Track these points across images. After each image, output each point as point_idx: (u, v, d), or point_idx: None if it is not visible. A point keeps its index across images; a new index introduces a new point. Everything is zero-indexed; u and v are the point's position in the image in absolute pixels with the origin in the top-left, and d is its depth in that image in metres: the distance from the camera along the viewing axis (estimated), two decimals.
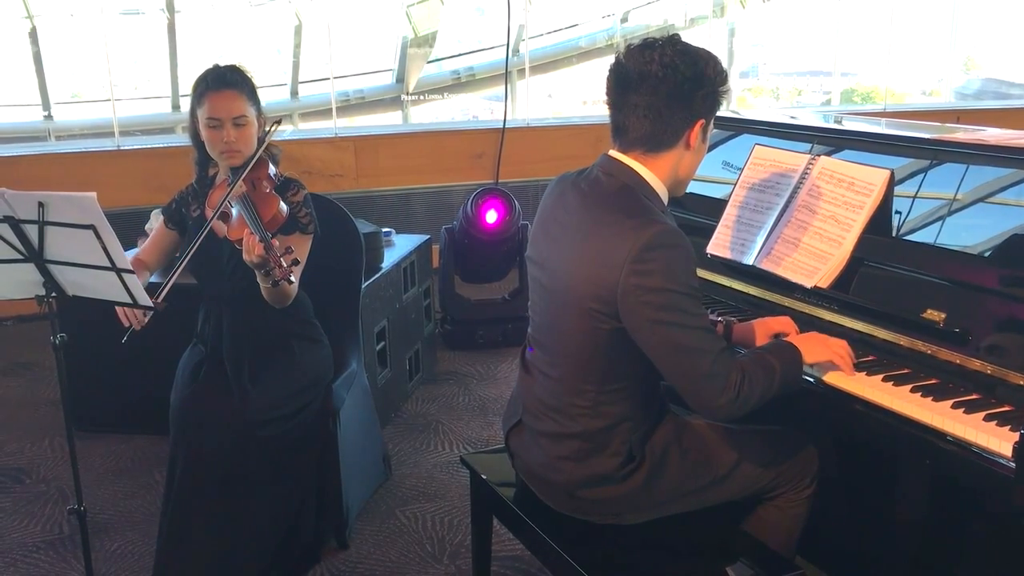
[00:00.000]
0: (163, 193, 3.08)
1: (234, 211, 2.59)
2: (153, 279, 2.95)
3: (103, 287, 2.25)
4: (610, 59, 1.97)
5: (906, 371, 2.03)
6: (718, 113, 1.98)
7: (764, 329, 2.20)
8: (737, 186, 2.59)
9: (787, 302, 2.36)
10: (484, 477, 2.32)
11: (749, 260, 2.43)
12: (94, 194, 2.08)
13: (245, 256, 2.42)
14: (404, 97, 7.72)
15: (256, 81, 2.77)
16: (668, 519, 2.06)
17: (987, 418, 1.81)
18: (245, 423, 2.60)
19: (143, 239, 3.97)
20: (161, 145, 5.78)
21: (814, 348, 2.02)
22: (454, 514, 3.16)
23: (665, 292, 1.81)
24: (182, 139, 3.69)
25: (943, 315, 1.99)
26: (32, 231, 2.17)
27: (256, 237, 2.41)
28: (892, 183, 2.26)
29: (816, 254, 2.29)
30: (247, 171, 2.63)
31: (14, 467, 3.59)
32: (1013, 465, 1.71)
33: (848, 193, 2.30)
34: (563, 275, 1.96)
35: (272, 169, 2.75)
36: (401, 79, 7.91)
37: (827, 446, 2.23)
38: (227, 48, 7.91)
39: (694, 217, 2.71)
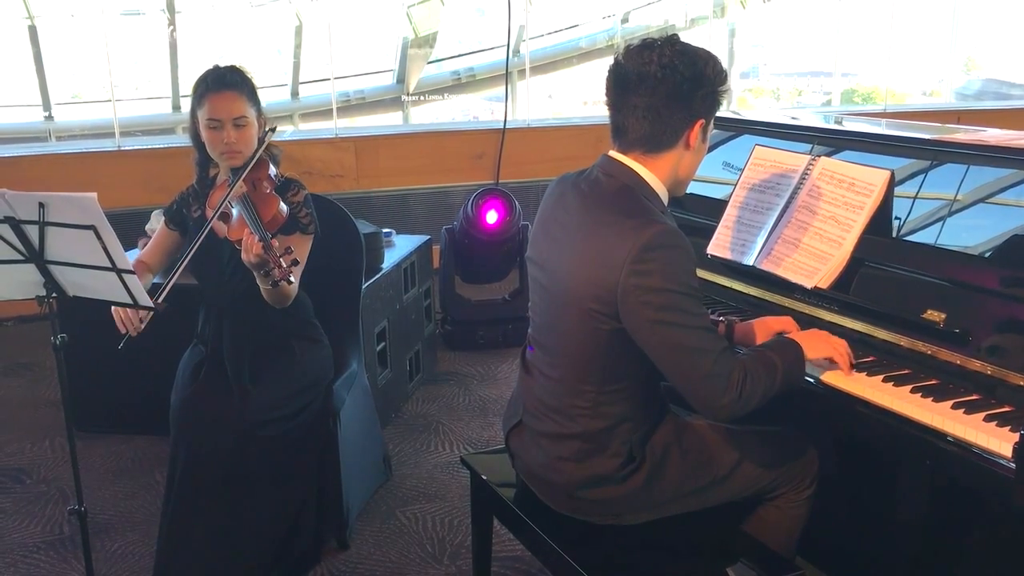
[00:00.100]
0: (163, 194, 3.09)
1: (234, 211, 2.59)
2: (156, 280, 2.95)
3: (104, 287, 2.25)
4: (610, 60, 1.97)
5: (906, 371, 2.03)
6: (718, 113, 1.98)
7: (765, 328, 2.20)
8: (737, 187, 2.59)
9: (787, 303, 2.36)
10: (484, 478, 2.32)
11: (749, 261, 2.43)
12: (94, 195, 2.08)
13: (244, 256, 2.42)
14: (405, 97, 7.73)
15: (257, 82, 2.77)
16: (668, 519, 2.06)
17: (987, 419, 1.81)
18: (245, 423, 2.60)
19: (144, 239, 3.99)
20: (162, 146, 5.78)
21: (815, 344, 2.02)
22: (454, 514, 3.16)
23: (665, 292, 1.81)
24: (183, 139, 3.69)
25: (943, 316, 1.99)
26: (33, 232, 2.17)
27: (256, 237, 2.41)
28: (892, 184, 2.26)
29: (816, 255, 2.29)
30: (247, 171, 2.63)
31: (15, 467, 3.59)
32: (1013, 466, 1.71)
33: (848, 194, 2.30)
34: (563, 276, 1.96)
35: (272, 170, 2.75)
36: (402, 79, 7.92)
37: (827, 447, 2.24)
38: (228, 48, 7.92)
39: (694, 217, 2.71)
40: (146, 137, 6.40)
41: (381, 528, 3.09)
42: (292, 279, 2.43)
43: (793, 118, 2.93)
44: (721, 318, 2.27)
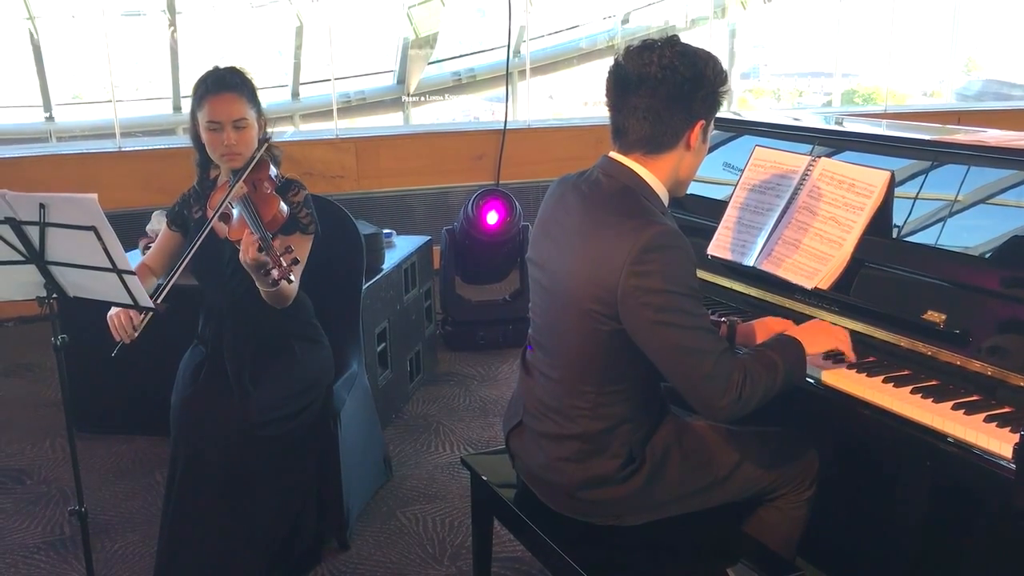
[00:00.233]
0: (164, 194, 3.09)
1: (235, 212, 2.60)
2: (160, 282, 2.95)
3: (104, 288, 2.25)
4: (611, 60, 1.97)
5: (907, 372, 2.03)
6: (718, 114, 1.98)
7: (766, 329, 2.20)
8: (738, 187, 2.59)
9: (788, 303, 2.36)
10: (485, 478, 2.32)
11: (750, 261, 2.43)
12: (95, 195, 2.09)
13: (241, 256, 2.42)
14: (405, 98, 7.73)
15: (257, 82, 2.77)
16: (668, 520, 2.06)
17: (988, 419, 1.81)
18: (246, 424, 2.60)
19: (144, 240, 3.99)
20: (162, 146, 5.78)
21: (816, 338, 2.02)
22: (455, 515, 3.16)
23: (665, 293, 1.81)
24: (183, 140, 3.69)
25: (944, 316, 1.99)
26: (33, 232, 2.17)
27: (256, 236, 2.41)
28: (893, 184, 2.26)
29: (816, 255, 2.29)
30: (247, 172, 2.63)
31: (15, 468, 3.59)
32: (1013, 467, 1.71)
33: (848, 194, 2.30)
34: (563, 276, 1.96)
35: (273, 170, 2.75)
36: (402, 80, 7.92)
37: (827, 447, 2.23)
38: (228, 49, 7.92)
39: (695, 218, 2.71)
40: (147, 138, 6.41)
41: (381, 528, 3.09)
42: (292, 278, 2.43)
43: (794, 119, 2.93)
44: (723, 319, 2.27)
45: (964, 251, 2.10)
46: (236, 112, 2.65)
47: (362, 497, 3.16)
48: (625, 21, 8.09)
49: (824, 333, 2.05)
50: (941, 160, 2.25)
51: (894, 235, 2.24)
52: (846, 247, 2.24)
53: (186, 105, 2.82)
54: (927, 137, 2.41)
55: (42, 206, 2.12)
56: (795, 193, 2.42)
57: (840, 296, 2.23)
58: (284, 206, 2.65)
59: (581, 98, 8.72)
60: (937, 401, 1.90)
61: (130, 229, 3.97)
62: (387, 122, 8.22)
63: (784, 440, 2.16)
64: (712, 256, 2.55)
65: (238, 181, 2.60)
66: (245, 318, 2.73)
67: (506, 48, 6.42)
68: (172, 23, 7.30)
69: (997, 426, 1.79)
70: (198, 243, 2.55)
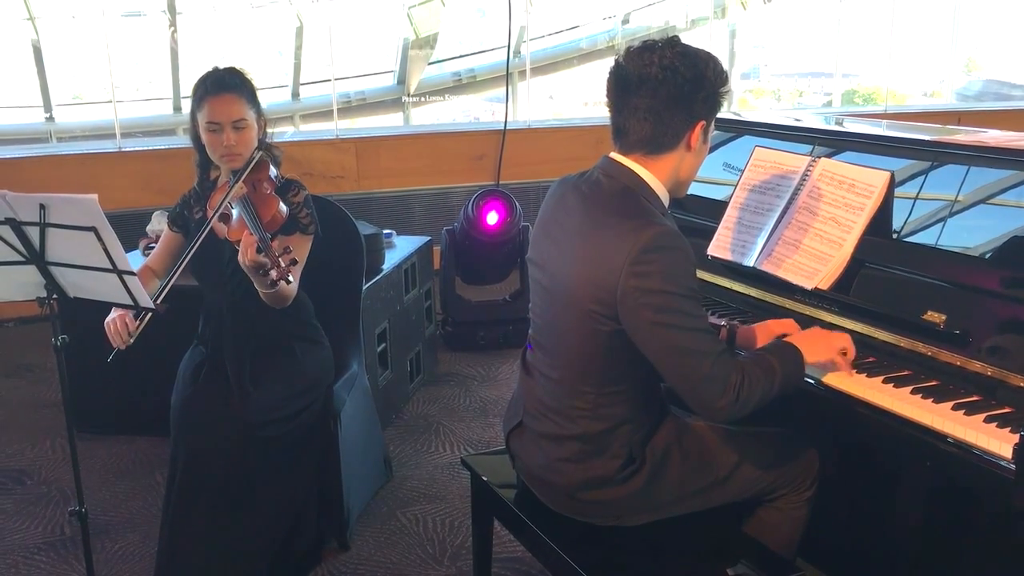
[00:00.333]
0: (164, 195, 3.09)
1: (234, 212, 2.60)
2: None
3: (104, 289, 2.25)
4: (611, 61, 1.97)
5: (907, 373, 2.03)
6: (719, 115, 1.98)
7: (767, 331, 2.20)
8: (738, 188, 2.59)
9: (788, 304, 2.36)
10: (485, 479, 2.32)
11: (750, 262, 2.43)
12: (95, 196, 2.09)
13: (240, 258, 2.42)
14: (405, 99, 7.73)
15: (257, 83, 2.77)
16: (669, 521, 2.06)
17: (987, 420, 1.81)
18: (245, 424, 2.60)
19: (145, 240, 3.99)
20: (163, 147, 5.79)
21: (815, 347, 2.01)
22: (455, 516, 3.16)
23: (664, 294, 1.81)
24: (183, 141, 3.69)
25: (944, 317, 1.99)
26: (33, 233, 2.17)
27: (254, 237, 2.41)
28: (893, 185, 2.26)
29: (816, 256, 2.29)
30: (247, 172, 2.63)
31: (15, 468, 3.59)
32: (1013, 467, 1.71)
33: (848, 195, 2.30)
34: (563, 277, 1.96)
35: (273, 171, 2.75)
36: (402, 81, 7.92)
37: (828, 448, 2.23)
38: (228, 50, 7.92)
39: (695, 219, 2.71)
40: (147, 138, 6.41)
41: (382, 529, 3.09)
42: (291, 279, 2.43)
43: (794, 119, 2.93)
44: (723, 322, 2.27)
45: (964, 251, 2.10)
46: (235, 113, 2.65)
47: (362, 497, 3.16)
48: (625, 21, 8.09)
49: (824, 343, 2.03)
50: (941, 160, 2.25)
51: (894, 235, 2.24)
52: (846, 247, 2.24)
53: (186, 106, 2.82)
54: (927, 137, 2.41)
55: (42, 207, 2.12)
56: (795, 193, 2.42)
57: (840, 296, 2.23)
58: (283, 206, 2.65)
59: (581, 98, 8.73)
60: (937, 401, 1.90)
61: (130, 229, 3.97)
62: (387, 122, 8.22)
63: (784, 440, 2.16)
64: (712, 256, 2.55)
65: (237, 181, 2.60)
66: (245, 318, 2.73)
67: (506, 48, 6.42)
68: (172, 23, 7.31)
69: (997, 426, 1.79)
70: (198, 243, 2.55)
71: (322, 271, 2.86)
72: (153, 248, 3.00)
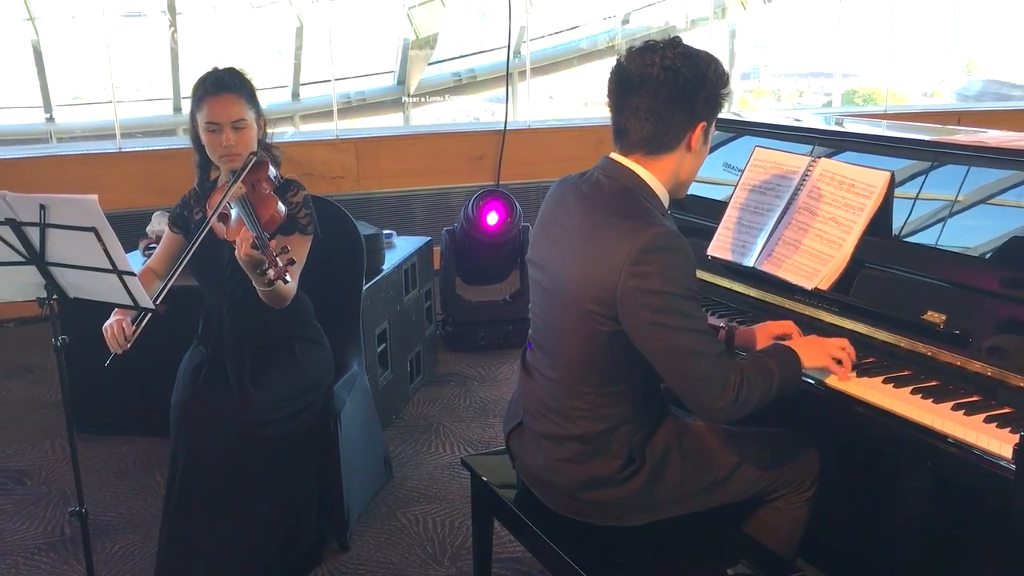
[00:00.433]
0: (164, 195, 3.09)
1: (233, 212, 2.60)
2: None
3: (104, 289, 2.25)
4: (611, 61, 1.97)
5: (907, 373, 2.03)
6: (719, 115, 1.98)
7: (766, 333, 2.20)
8: (738, 188, 2.59)
9: (788, 304, 2.36)
10: (485, 479, 2.32)
11: (750, 262, 2.43)
12: (95, 196, 2.09)
13: (237, 252, 2.42)
14: (405, 99, 7.73)
15: (257, 83, 2.77)
16: (669, 521, 2.06)
17: (987, 420, 1.81)
18: (246, 424, 2.60)
19: (145, 241, 3.99)
20: (163, 147, 5.79)
21: (812, 352, 2.02)
22: (455, 516, 3.16)
23: (663, 294, 1.81)
24: (183, 141, 3.69)
25: (944, 317, 1.99)
26: (34, 233, 2.18)
27: (252, 235, 2.41)
28: (892, 185, 2.26)
29: (816, 256, 2.29)
30: (245, 173, 2.63)
31: (15, 469, 3.59)
32: (1013, 467, 1.71)
33: (848, 195, 2.30)
34: (563, 277, 1.96)
35: (272, 171, 2.75)
36: (402, 81, 7.92)
37: (828, 448, 2.23)
38: (228, 50, 7.92)
39: (695, 219, 2.71)
40: (147, 139, 6.41)
41: (382, 529, 3.09)
42: (288, 278, 2.43)
43: (795, 119, 2.93)
44: (722, 323, 2.27)
45: (964, 251, 2.09)
46: (235, 113, 2.65)
47: (362, 498, 3.16)
48: (625, 22, 8.09)
49: (821, 349, 2.03)
50: (941, 160, 2.25)
51: (894, 235, 2.24)
52: (846, 248, 2.24)
53: (186, 106, 2.82)
54: (927, 137, 2.41)
55: (42, 207, 2.12)
56: (795, 194, 2.42)
57: (840, 297, 2.23)
58: (282, 206, 2.65)
59: (581, 99, 8.72)
60: (937, 402, 1.90)
61: (130, 230, 3.97)
62: (387, 123, 8.22)
63: (784, 441, 2.16)
64: (712, 257, 2.55)
65: (236, 181, 2.60)
66: (245, 318, 2.73)
67: (506, 49, 6.42)
68: (172, 24, 7.31)
69: (997, 426, 1.79)
70: (197, 243, 2.55)
71: (322, 271, 2.86)
72: (153, 248, 3.00)
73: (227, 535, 2.61)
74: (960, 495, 2.11)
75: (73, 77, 7.73)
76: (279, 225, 2.64)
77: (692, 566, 2.02)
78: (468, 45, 8.44)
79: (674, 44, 1.89)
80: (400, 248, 4.21)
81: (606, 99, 1.96)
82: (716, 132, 2.13)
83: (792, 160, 2.49)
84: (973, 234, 2.12)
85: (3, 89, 7.38)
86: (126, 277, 2.20)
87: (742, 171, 2.61)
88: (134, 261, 2.40)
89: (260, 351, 2.72)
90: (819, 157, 2.44)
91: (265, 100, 2.81)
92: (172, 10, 7.26)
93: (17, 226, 2.16)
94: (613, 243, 1.84)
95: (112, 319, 2.50)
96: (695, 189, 2.21)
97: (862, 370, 2.07)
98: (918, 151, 2.32)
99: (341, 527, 2.92)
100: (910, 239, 2.22)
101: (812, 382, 2.08)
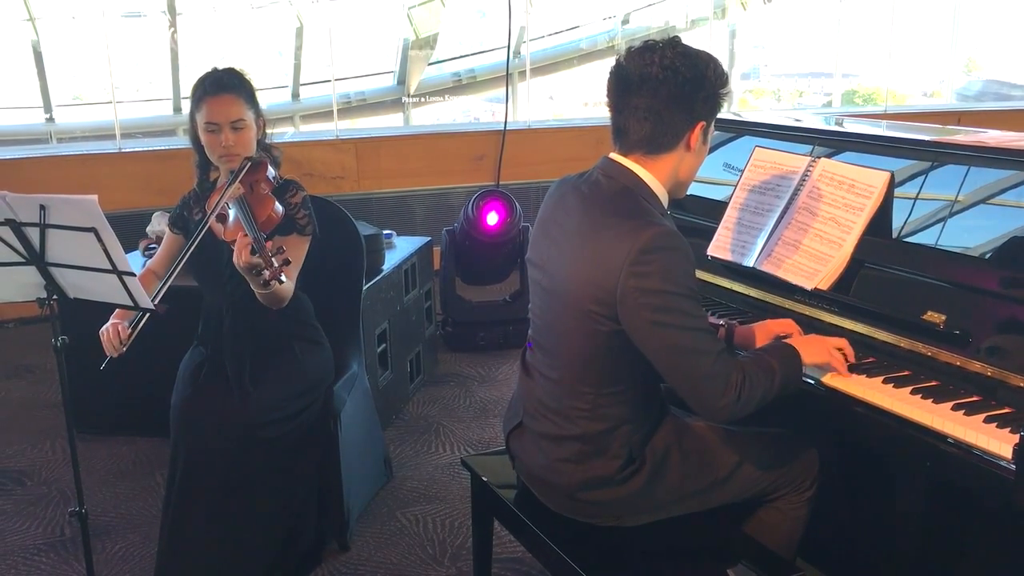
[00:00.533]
0: (164, 195, 3.10)
1: (231, 212, 2.60)
2: None
3: (104, 289, 2.25)
4: (611, 61, 1.97)
5: (907, 373, 2.03)
6: (719, 115, 1.98)
7: (765, 331, 2.20)
8: (738, 188, 2.59)
9: (787, 304, 2.36)
10: (485, 479, 2.32)
11: (749, 262, 2.43)
12: (95, 197, 2.09)
13: (235, 259, 2.42)
14: (405, 99, 7.73)
15: (257, 83, 2.77)
16: (669, 521, 2.06)
17: (987, 420, 1.81)
18: (245, 425, 2.60)
19: (145, 241, 3.99)
20: (163, 147, 5.79)
21: (812, 349, 2.02)
22: (455, 516, 3.16)
23: (663, 294, 1.81)
24: (183, 141, 3.69)
25: (943, 317, 1.99)
26: (34, 234, 2.18)
27: (249, 238, 2.41)
28: (892, 185, 2.26)
29: (816, 256, 2.29)
30: (244, 173, 2.63)
31: (15, 469, 3.59)
32: (1013, 467, 1.71)
33: (848, 195, 2.30)
34: (563, 277, 1.96)
35: (271, 171, 2.75)
36: (402, 81, 7.92)
37: (828, 448, 2.23)
38: (228, 50, 7.92)
39: (695, 219, 2.71)
40: (147, 139, 6.41)
41: (382, 530, 3.09)
42: (284, 279, 2.42)
43: (794, 119, 2.93)
44: (721, 321, 2.27)
45: (964, 251, 2.09)
46: (234, 113, 2.65)
47: (362, 498, 3.16)
48: (625, 22, 8.09)
49: (821, 346, 2.04)
50: (941, 160, 2.25)
51: (894, 235, 2.24)
52: (846, 248, 2.24)
53: (186, 106, 2.82)
54: (927, 137, 2.41)
55: (42, 207, 2.12)
56: (795, 194, 2.42)
57: (840, 297, 2.23)
58: (279, 207, 2.65)
59: (581, 99, 8.73)
60: (937, 402, 1.90)
61: (130, 230, 3.97)
62: (387, 123, 8.23)
63: (784, 441, 2.16)
64: (712, 257, 2.55)
65: (233, 182, 2.60)
66: (244, 319, 2.73)
67: (506, 49, 6.42)
68: (172, 24, 7.31)
69: (997, 427, 1.79)
70: (195, 243, 2.55)
71: (322, 272, 2.86)
72: (154, 249, 3.01)
73: (227, 535, 2.61)
74: (960, 495, 2.11)
75: (73, 77, 7.73)
76: (276, 225, 2.64)
77: (692, 566, 2.02)
78: (468, 45, 8.44)
79: (673, 44, 1.89)
80: (400, 248, 4.22)
81: (605, 99, 1.96)
82: (716, 132, 2.13)
83: (792, 160, 2.49)
84: (973, 234, 2.12)
85: (3, 89, 7.38)
86: (126, 277, 2.20)
87: (742, 171, 2.61)
88: (134, 261, 2.40)
89: (260, 351, 2.72)
90: (819, 157, 2.44)
91: (265, 100, 2.81)
92: (172, 10, 7.26)
93: (17, 226, 2.16)
94: (613, 243, 1.85)
95: (108, 323, 2.51)
96: (695, 189, 2.21)
97: (862, 370, 2.07)
98: (918, 151, 2.32)
99: (341, 527, 2.92)
100: (910, 239, 2.22)
101: (812, 382, 2.08)
